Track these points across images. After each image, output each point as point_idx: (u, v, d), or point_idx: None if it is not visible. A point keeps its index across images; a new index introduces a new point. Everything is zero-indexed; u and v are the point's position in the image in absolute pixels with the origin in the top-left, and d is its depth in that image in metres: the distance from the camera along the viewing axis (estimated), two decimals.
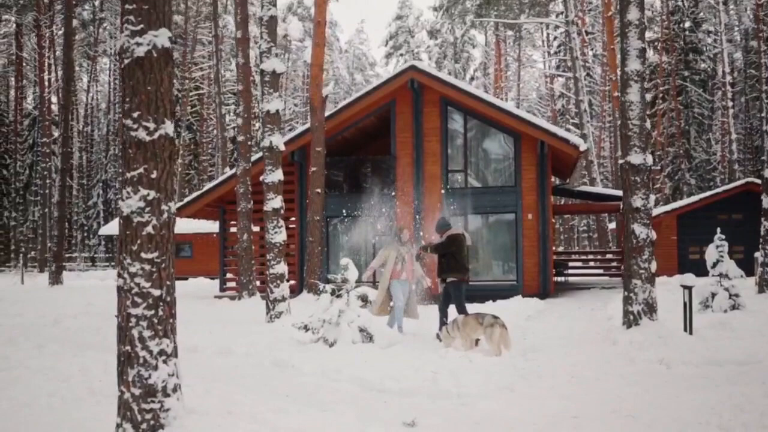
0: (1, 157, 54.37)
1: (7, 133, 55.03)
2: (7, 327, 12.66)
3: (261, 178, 12.84)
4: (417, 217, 18.78)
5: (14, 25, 49.04)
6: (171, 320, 5.35)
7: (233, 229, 20.39)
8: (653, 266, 10.52)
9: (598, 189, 25.49)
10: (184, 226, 32.05)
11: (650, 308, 10.44)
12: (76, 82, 57.99)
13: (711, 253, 12.97)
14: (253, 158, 18.54)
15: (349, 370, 8.30)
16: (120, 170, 5.43)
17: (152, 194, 5.22)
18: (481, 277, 19.05)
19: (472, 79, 62.55)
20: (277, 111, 12.72)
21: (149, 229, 5.21)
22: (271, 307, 12.48)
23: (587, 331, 11.37)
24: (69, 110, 28.24)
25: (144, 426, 5.16)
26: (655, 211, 28.77)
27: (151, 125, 5.22)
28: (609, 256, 27.20)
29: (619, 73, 11.04)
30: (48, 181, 42.24)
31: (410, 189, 19.14)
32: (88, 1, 51.58)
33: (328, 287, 9.96)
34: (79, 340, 11.23)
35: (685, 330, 9.65)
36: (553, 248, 34.68)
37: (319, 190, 17.58)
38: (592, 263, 30.02)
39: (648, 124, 10.60)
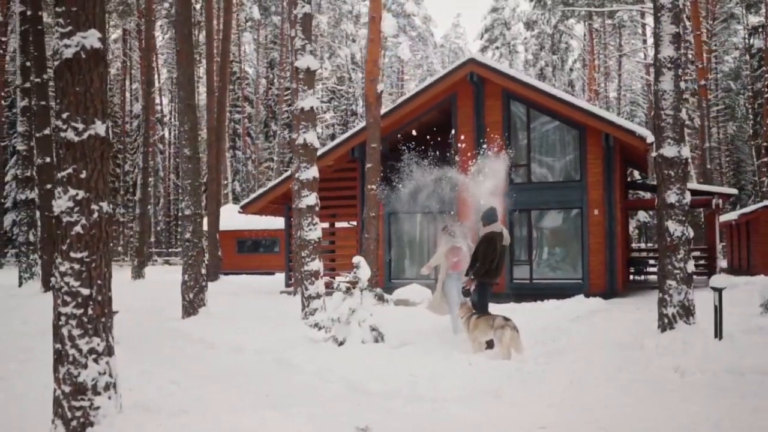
0: (114, 156, 57.49)
1: (119, 133, 58.10)
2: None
3: (296, 175, 12.86)
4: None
5: (121, 31, 51.57)
6: (103, 319, 5.39)
7: None
8: (690, 266, 9.80)
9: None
10: (274, 223, 32.69)
11: (687, 311, 9.74)
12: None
13: None
14: None
15: (342, 371, 8.19)
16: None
17: (81, 194, 5.27)
18: (546, 275, 18.49)
19: (571, 70, 60.79)
20: (312, 108, 12.70)
21: (78, 228, 5.26)
22: (306, 304, 12.47)
23: (624, 334, 10.69)
24: (150, 111, 29.55)
25: (74, 423, 5.22)
26: (751, 207, 26.96)
27: (80, 126, 5.26)
28: (696, 253, 25.66)
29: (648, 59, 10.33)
30: (150, 179, 44.25)
31: None
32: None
33: (343, 285, 9.86)
34: (116, 334, 11.58)
35: (716, 335, 8.93)
36: (632, 246, 33.27)
37: (374, 187, 17.48)
38: None
39: (683, 114, 9.87)
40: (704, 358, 8.14)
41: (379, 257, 18.45)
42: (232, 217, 32.38)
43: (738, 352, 8.29)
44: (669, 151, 9.80)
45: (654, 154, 10.04)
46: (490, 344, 9.46)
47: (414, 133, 20.04)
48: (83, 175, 5.27)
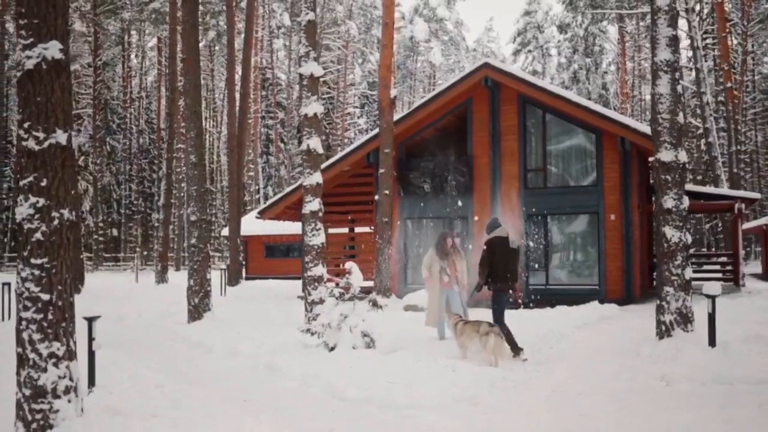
0: (150, 162, 58.40)
1: (155, 140, 59.01)
2: None
3: (300, 181, 12.95)
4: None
5: (156, 39, 52.50)
6: (63, 324, 5.48)
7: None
8: (687, 273, 9.64)
9: (705, 188, 23.60)
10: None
11: (684, 318, 9.59)
12: (214, 90, 61.37)
13: None
14: (323, 164, 18.73)
15: (326, 377, 8.20)
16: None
17: (42, 201, 5.38)
18: (561, 281, 18.29)
19: (605, 73, 60.07)
20: (315, 114, 12.77)
21: (38, 235, 5.37)
22: (309, 309, 12.53)
23: (626, 342, 10.55)
24: (173, 118, 30.02)
25: (34, 426, 5.33)
26: None
27: (41, 135, 5.38)
28: (723, 258, 25.14)
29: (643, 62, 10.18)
30: (183, 185, 44.91)
31: (487, 189, 18.63)
32: (222, 13, 54.17)
33: (336, 291, 9.91)
34: (121, 338, 11.80)
35: (711, 343, 8.75)
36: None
37: (387, 192, 17.49)
38: (709, 266, 27.82)
39: (680, 118, 9.71)
40: (694, 367, 7.99)
41: (393, 262, 18.45)
42: (260, 222, 32.63)
43: (729, 361, 8.12)
44: (666, 155, 9.66)
45: (651, 158, 9.89)
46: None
47: (431, 138, 20.03)
48: (44, 183, 5.38)
